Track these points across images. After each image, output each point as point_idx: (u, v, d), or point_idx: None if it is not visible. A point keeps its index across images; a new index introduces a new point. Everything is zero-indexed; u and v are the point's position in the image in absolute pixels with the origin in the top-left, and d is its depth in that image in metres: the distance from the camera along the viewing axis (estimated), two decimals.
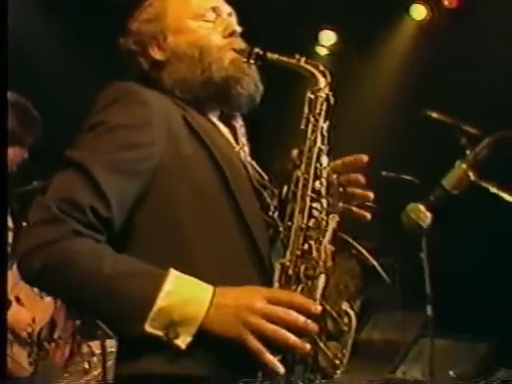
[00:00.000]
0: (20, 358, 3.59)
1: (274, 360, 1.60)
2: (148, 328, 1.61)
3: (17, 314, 3.57)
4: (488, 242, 5.50)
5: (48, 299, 3.73)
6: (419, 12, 6.54)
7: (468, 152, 2.41)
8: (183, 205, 1.77)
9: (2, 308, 2.14)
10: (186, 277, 1.65)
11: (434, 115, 2.59)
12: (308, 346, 1.63)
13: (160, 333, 1.61)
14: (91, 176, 1.68)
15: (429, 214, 2.49)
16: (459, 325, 4.72)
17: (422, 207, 2.49)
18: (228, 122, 2.06)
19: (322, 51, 7.07)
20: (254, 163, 2.02)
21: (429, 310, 4.18)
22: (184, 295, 1.62)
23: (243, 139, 2.05)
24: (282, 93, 4.47)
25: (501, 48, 5.70)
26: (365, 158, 1.95)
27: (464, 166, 2.39)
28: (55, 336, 3.89)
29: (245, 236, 1.78)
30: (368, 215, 1.97)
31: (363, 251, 1.76)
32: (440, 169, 2.49)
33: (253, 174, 1.95)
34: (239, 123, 2.08)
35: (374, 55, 6.80)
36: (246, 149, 2.04)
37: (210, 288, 1.64)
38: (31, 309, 3.66)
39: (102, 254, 1.65)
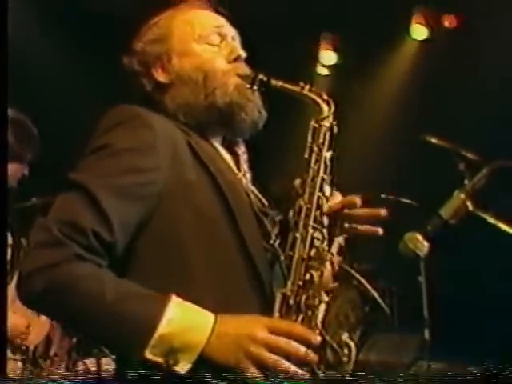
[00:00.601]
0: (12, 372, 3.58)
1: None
2: (148, 355, 1.60)
3: (11, 320, 3.57)
4: (486, 267, 5.49)
5: (43, 317, 3.73)
6: (420, 32, 6.55)
7: (466, 181, 2.42)
8: (185, 230, 1.77)
9: (2, 309, 2.13)
10: (188, 304, 1.65)
11: (434, 140, 2.60)
12: (306, 375, 1.64)
13: (160, 359, 1.60)
14: (94, 199, 1.67)
15: (426, 243, 2.50)
16: (455, 348, 4.70)
17: (419, 236, 2.49)
18: (231, 148, 2.05)
19: (323, 71, 7.09)
20: (255, 190, 2.02)
21: (426, 333, 4.17)
22: (185, 322, 1.62)
23: (245, 166, 2.05)
24: (284, 118, 4.48)
25: (502, 67, 5.70)
26: (358, 200, 1.91)
27: (462, 195, 2.39)
28: (51, 353, 3.88)
29: (246, 262, 1.78)
30: (380, 230, 1.92)
31: (364, 282, 1.76)
32: (440, 192, 2.50)
33: (254, 200, 1.95)
34: (242, 150, 2.08)
35: (374, 75, 6.80)
36: (248, 176, 2.04)
37: (211, 316, 1.64)
38: (33, 328, 3.67)
39: (103, 279, 1.64)
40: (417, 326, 4.31)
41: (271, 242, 1.84)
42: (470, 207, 2.38)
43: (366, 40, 6.23)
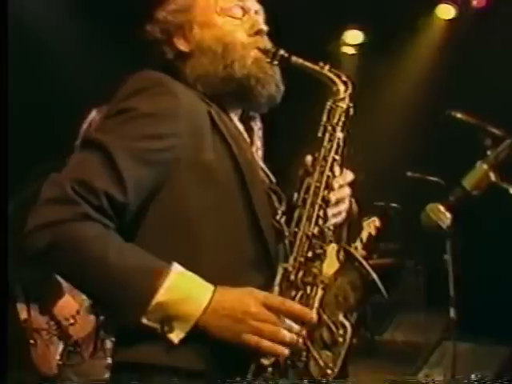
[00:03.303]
0: (50, 355, 3.64)
1: (274, 345, 1.63)
2: (144, 320, 1.63)
3: (64, 302, 3.64)
4: None
5: (91, 317, 3.80)
6: (447, 12, 6.49)
7: (489, 153, 2.39)
8: (196, 200, 1.77)
9: (2, 308, 2.15)
10: (189, 274, 1.67)
11: (459, 115, 2.57)
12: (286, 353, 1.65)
13: (155, 325, 1.64)
14: (113, 160, 1.68)
15: (448, 215, 2.47)
16: (482, 328, 4.67)
17: (441, 207, 2.47)
18: (247, 122, 2.06)
19: (349, 50, 7.06)
20: (264, 166, 2.02)
21: (452, 312, 4.15)
22: (183, 292, 1.64)
23: (258, 142, 2.06)
24: (300, 97, 4.44)
25: None
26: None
27: (485, 166, 2.36)
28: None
29: (256, 237, 1.79)
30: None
31: (365, 264, 1.76)
32: (465, 170, 2.47)
33: (264, 177, 1.96)
34: (257, 125, 2.08)
35: (400, 54, 6.76)
36: (260, 152, 2.06)
37: (210, 288, 1.66)
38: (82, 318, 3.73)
39: (108, 241, 1.66)
40: (443, 307, 4.29)
41: (277, 217, 1.84)
42: (493, 178, 2.35)
43: (393, 19, 6.19)
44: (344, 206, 1.92)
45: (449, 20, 6.54)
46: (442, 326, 4.89)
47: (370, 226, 4.35)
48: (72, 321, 3.67)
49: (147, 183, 1.74)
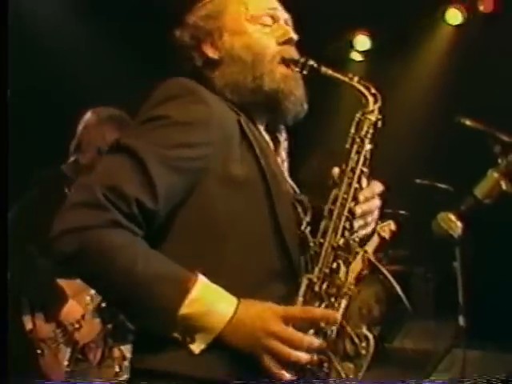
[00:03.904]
0: (58, 363, 3.64)
1: (284, 374, 1.63)
2: (168, 332, 1.65)
3: (69, 307, 3.65)
4: None
5: (97, 320, 3.80)
6: (454, 17, 6.48)
7: (500, 161, 2.37)
8: (224, 208, 1.78)
9: (2, 308, 2.14)
10: (213, 286, 1.67)
11: (468, 122, 2.55)
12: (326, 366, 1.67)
13: (178, 336, 1.64)
14: (144, 167, 1.68)
15: (459, 224, 2.46)
16: (491, 336, 4.65)
17: (452, 216, 2.46)
18: (273, 134, 2.07)
19: (357, 57, 7.05)
20: (289, 178, 2.03)
21: (461, 320, 4.13)
22: (208, 304, 1.64)
23: (283, 153, 2.07)
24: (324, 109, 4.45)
25: None
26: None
27: (496, 174, 2.35)
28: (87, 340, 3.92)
29: (280, 247, 1.79)
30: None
31: (390, 277, 1.75)
32: (475, 177, 2.46)
33: (289, 187, 1.97)
34: (283, 136, 2.09)
35: (408, 60, 6.75)
36: (286, 164, 2.06)
37: (233, 302, 1.66)
38: (87, 323, 3.73)
39: (136, 251, 1.65)
40: (453, 314, 4.26)
41: (302, 228, 1.84)
42: (504, 186, 2.34)
43: (401, 25, 6.18)
44: (371, 218, 1.91)
45: (456, 25, 6.52)
46: (451, 333, 4.87)
47: (385, 229, 4.33)
48: (77, 325, 3.68)
49: (177, 191, 1.75)
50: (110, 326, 4.03)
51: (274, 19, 2.02)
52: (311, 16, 6.02)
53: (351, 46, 7.02)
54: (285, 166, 2.05)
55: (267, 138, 2.02)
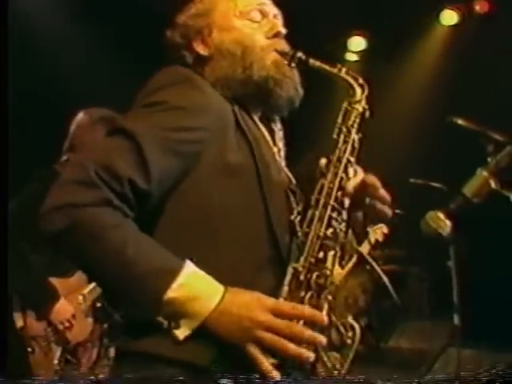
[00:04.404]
0: (49, 362, 3.65)
1: (270, 368, 1.62)
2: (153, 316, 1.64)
3: (60, 306, 3.65)
4: None
5: (89, 320, 3.81)
6: (450, 17, 6.50)
7: (489, 159, 2.37)
8: (217, 195, 1.78)
9: (2, 307, 2.14)
10: (201, 273, 1.66)
11: (460, 122, 2.55)
12: (312, 356, 1.64)
13: (163, 320, 1.63)
14: (139, 147, 1.68)
15: (448, 222, 2.44)
16: (486, 335, 4.66)
17: (441, 215, 2.44)
18: (268, 124, 2.06)
19: (352, 57, 7.07)
20: (285, 168, 2.03)
21: (456, 319, 4.14)
22: (194, 291, 1.63)
23: (280, 143, 2.06)
24: (319, 98, 4.45)
25: None
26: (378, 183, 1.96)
27: (485, 173, 2.34)
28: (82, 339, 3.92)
29: (269, 236, 1.79)
30: (389, 212, 1.97)
31: (377, 268, 1.76)
32: (469, 176, 2.46)
33: (284, 178, 1.96)
34: (278, 127, 2.09)
35: (403, 61, 6.76)
36: (282, 153, 2.06)
37: (220, 290, 1.65)
38: (78, 322, 3.74)
39: (126, 232, 1.64)
40: (448, 313, 4.27)
41: (292, 217, 1.84)
42: (493, 185, 2.33)
43: (396, 25, 6.19)
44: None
45: (452, 26, 6.53)
46: (446, 332, 4.88)
47: (377, 232, 4.34)
48: (67, 324, 3.68)
49: (172, 174, 1.74)
50: (105, 325, 4.04)
51: (263, 14, 2.03)
52: (306, 17, 6.06)
53: (346, 47, 7.01)
54: (281, 156, 2.04)
55: (262, 128, 2.02)
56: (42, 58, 5.68)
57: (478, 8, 6.33)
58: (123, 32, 5.55)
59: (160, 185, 1.71)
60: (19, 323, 3.62)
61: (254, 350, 1.62)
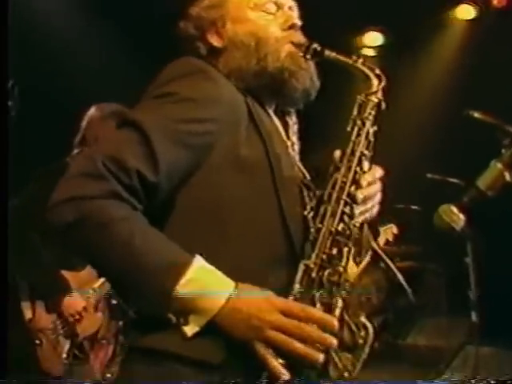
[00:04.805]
0: (57, 356, 3.64)
1: (279, 367, 1.58)
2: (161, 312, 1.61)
3: (71, 299, 3.65)
4: None
5: (99, 314, 3.81)
6: (467, 12, 6.44)
7: (504, 151, 2.31)
8: (229, 188, 1.74)
9: (2, 307, 2.12)
10: (210, 268, 1.62)
11: (476, 115, 2.51)
12: (321, 357, 1.59)
13: (171, 316, 1.61)
14: (148, 139, 1.65)
15: (462, 216, 2.40)
16: (505, 332, 4.61)
17: (454, 209, 2.40)
18: (282, 117, 2.03)
19: (369, 52, 7.02)
20: (299, 162, 1.99)
21: (473, 316, 4.09)
22: (203, 286, 1.60)
23: (294, 137, 2.03)
24: (338, 92, 4.41)
25: None
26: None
27: (499, 165, 2.29)
28: (99, 336, 3.92)
29: (283, 232, 1.75)
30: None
31: (392, 266, 1.72)
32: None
33: (298, 172, 1.92)
34: (292, 120, 2.05)
35: (421, 56, 6.71)
36: (296, 147, 2.02)
37: (230, 285, 1.61)
38: (88, 315, 3.74)
39: (134, 225, 1.61)
40: (466, 310, 4.22)
41: (305, 213, 1.79)
42: (508, 177, 2.28)
43: (412, 20, 6.14)
44: (371, 204, 1.87)
45: (469, 20, 6.47)
46: (464, 329, 4.84)
47: (387, 232, 4.32)
48: (78, 317, 3.68)
49: (181, 167, 1.71)
50: (120, 323, 4.03)
51: (278, 6, 2.00)
52: (323, 13, 6.03)
53: (363, 42, 6.97)
54: (295, 150, 2.01)
55: (276, 121, 1.99)
56: (43, 55, 5.63)
57: (495, 2, 6.27)
58: (131, 29, 5.52)
59: (169, 177, 1.68)
60: (28, 315, 3.62)
61: (263, 350, 1.58)
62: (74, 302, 3.68)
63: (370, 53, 7.02)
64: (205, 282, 1.60)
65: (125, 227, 1.60)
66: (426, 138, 6.18)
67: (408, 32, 6.32)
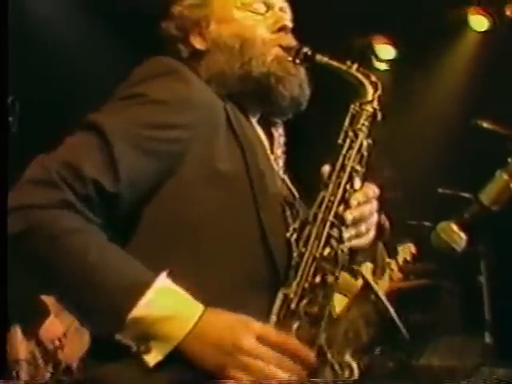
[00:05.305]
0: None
1: None
2: (117, 335, 1.45)
3: (49, 324, 3.53)
4: None
5: (86, 338, 3.69)
6: (480, 23, 6.31)
7: (510, 160, 2.15)
8: (202, 201, 1.61)
9: (2, 306, 2.01)
10: (176, 289, 1.48)
11: (485, 125, 2.37)
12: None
13: (130, 342, 1.45)
14: (108, 144, 1.53)
15: (463, 235, 2.21)
16: None
17: (454, 226, 2.21)
18: (267, 128, 1.90)
19: (381, 66, 6.91)
20: (285, 177, 1.86)
21: (487, 337, 3.95)
22: (167, 309, 1.45)
23: (279, 150, 1.89)
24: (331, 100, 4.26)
25: None
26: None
27: (505, 176, 2.12)
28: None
29: (264, 255, 1.60)
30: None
31: (383, 299, 1.55)
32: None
33: (282, 188, 1.78)
34: (278, 132, 1.91)
35: (434, 68, 6.59)
36: (281, 161, 1.88)
37: (198, 308, 1.47)
38: (71, 341, 3.60)
39: (88, 239, 1.48)
40: (479, 330, 4.08)
41: (288, 235, 1.63)
42: None
43: (425, 32, 6.04)
44: (366, 227, 1.71)
45: (482, 32, 6.35)
46: (478, 350, 4.70)
47: (406, 251, 4.20)
48: (58, 343, 3.54)
49: (147, 176, 1.58)
50: None
51: (268, 6, 1.88)
52: (332, 24, 5.94)
53: (375, 55, 6.86)
54: (279, 164, 1.87)
55: (260, 131, 1.86)
56: (44, 60, 5.59)
57: (508, 13, 6.14)
58: (130, 29, 5.45)
59: (132, 187, 1.54)
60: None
61: (236, 374, 1.43)
62: (53, 327, 3.55)
63: (383, 66, 6.92)
64: (169, 305, 1.45)
65: (78, 240, 1.46)
66: (441, 152, 6.05)
67: (421, 44, 6.21)
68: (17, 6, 4.24)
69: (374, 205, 1.73)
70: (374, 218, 1.73)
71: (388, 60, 6.87)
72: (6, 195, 1.52)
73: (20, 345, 3.53)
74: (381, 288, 3.62)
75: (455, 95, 6.47)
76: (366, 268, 3.59)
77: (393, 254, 3.66)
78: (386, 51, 6.84)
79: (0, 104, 2.22)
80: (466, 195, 4.24)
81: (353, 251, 1.65)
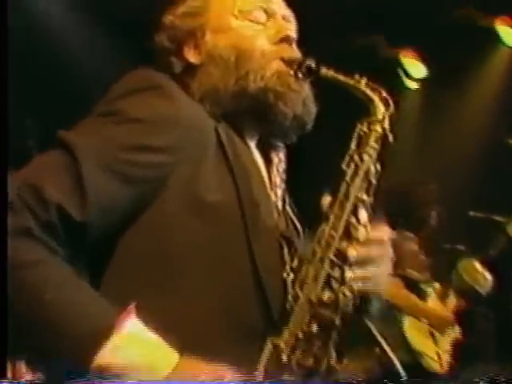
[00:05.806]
0: None
1: None
2: None
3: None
4: None
5: None
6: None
7: None
8: (184, 234, 1.44)
9: (2, 308, 1.90)
10: (146, 334, 1.30)
11: None
12: None
13: None
14: (77, 167, 1.37)
15: (488, 275, 1.97)
16: None
17: (478, 265, 1.97)
18: (266, 153, 1.70)
19: (412, 84, 6.79)
20: (287, 209, 1.67)
21: None
22: (134, 357, 1.27)
23: (278, 178, 1.68)
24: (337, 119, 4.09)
25: None
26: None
27: None
28: None
29: (257, 297, 1.43)
30: None
31: (388, 351, 1.39)
32: None
33: (279, 221, 1.59)
34: (278, 157, 1.71)
35: (467, 85, 6.45)
36: (279, 191, 1.67)
37: (172, 359, 1.29)
38: None
39: (47, 274, 1.30)
40: None
41: (284, 275, 1.47)
42: None
43: (457, 50, 5.92)
44: (374, 271, 1.47)
45: None
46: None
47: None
48: None
49: (121, 202, 1.41)
50: None
51: (269, 14, 1.69)
52: (365, 43, 5.87)
53: (406, 74, 6.74)
54: (278, 194, 1.66)
55: (258, 156, 1.67)
56: (42, 56, 5.52)
57: None
58: (133, 32, 5.42)
59: (103, 213, 1.38)
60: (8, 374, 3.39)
61: None
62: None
63: (414, 85, 6.79)
64: (137, 352, 1.27)
65: (34, 274, 1.29)
66: (474, 173, 5.91)
67: (453, 61, 6.08)
68: (17, 5, 4.20)
69: (387, 250, 1.52)
70: (388, 264, 1.51)
71: (419, 79, 6.73)
72: (5, 195, 1.40)
73: (26, 374, 3.45)
74: (449, 308, 3.50)
75: (488, 112, 6.33)
76: (433, 288, 3.48)
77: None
78: (416, 68, 6.71)
79: (0, 104, 2.16)
80: (499, 218, 4.10)
81: (363, 297, 1.45)
